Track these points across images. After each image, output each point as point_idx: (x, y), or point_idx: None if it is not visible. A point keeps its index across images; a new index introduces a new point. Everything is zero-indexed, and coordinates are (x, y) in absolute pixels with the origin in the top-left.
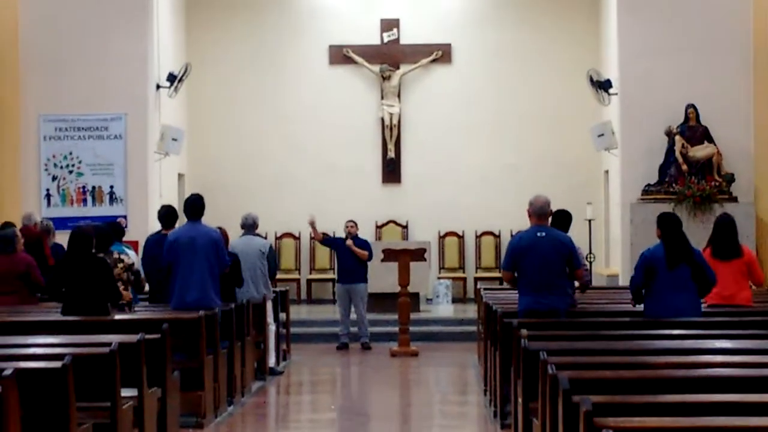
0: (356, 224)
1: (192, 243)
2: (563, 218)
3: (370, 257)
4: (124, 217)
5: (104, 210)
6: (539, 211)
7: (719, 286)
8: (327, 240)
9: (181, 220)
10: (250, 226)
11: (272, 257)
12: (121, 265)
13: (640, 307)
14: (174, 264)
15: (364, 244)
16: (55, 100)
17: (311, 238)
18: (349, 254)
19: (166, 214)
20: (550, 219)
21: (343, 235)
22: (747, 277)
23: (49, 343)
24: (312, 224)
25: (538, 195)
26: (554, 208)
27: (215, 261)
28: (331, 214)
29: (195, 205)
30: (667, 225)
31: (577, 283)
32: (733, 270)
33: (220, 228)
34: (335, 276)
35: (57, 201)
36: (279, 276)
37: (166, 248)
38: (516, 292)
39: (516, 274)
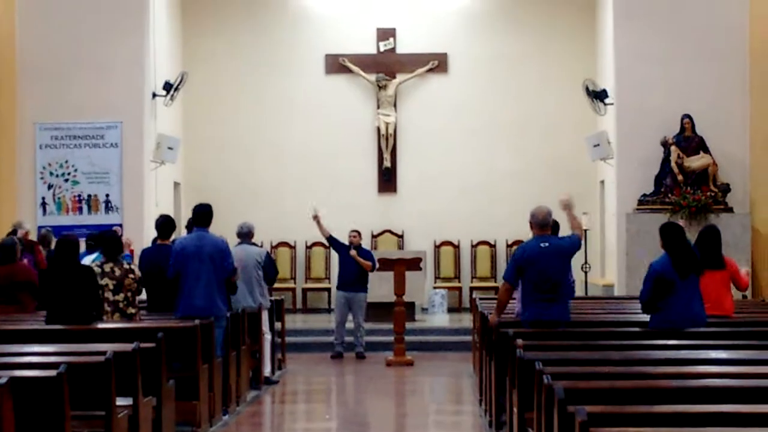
0: (359, 234)
1: (199, 251)
2: (553, 228)
3: (373, 267)
4: (120, 225)
5: (100, 218)
6: (542, 222)
7: (704, 297)
8: (332, 240)
9: (179, 231)
10: (245, 235)
11: (271, 264)
12: (131, 275)
13: (644, 317)
14: (181, 272)
15: (367, 254)
16: (51, 108)
17: (312, 246)
18: (351, 262)
19: (164, 224)
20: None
21: (346, 242)
22: (729, 288)
23: (44, 351)
24: (317, 219)
25: (540, 206)
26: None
27: (221, 269)
28: (327, 223)
29: (203, 213)
30: (670, 235)
31: None
32: (715, 281)
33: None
34: (330, 285)
35: (53, 209)
36: (275, 285)
37: (174, 256)
38: (512, 301)
39: (515, 287)
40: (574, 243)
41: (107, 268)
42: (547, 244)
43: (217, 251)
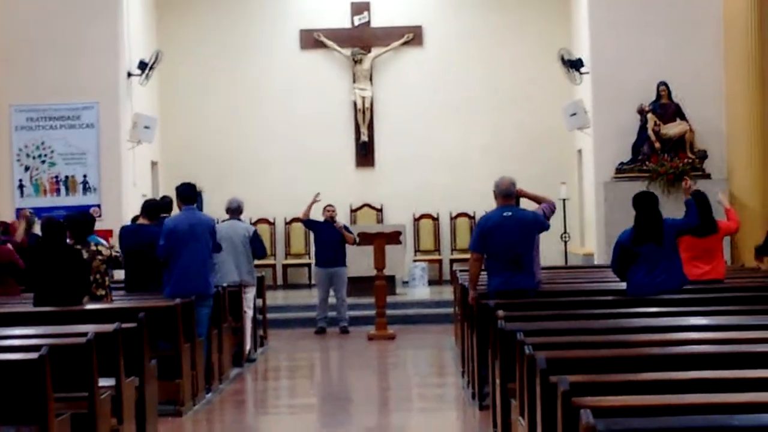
0: (335, 209)
1: (192, 230)
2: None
3: (354, 241)
4: (98, 206)
5: (78, 199)
6: (505, 192)
7: (694, 261)
8: (309, 221)
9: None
10: (234, 210)
11: (259, 242)
12: (99, 257)
13: (623, 285)
14: (173, 251)
15: (345, 229)
16: (27, 90)
17: (291, 222)
18: (330, 239)
19: (151, 207)
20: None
21: (322, 219)
22: (721, 251)
23: (25, 334)
24: (313, 201)
25: (503, 176)
26: (528, 188)
27: (212, 247)
28: (305, 199)
29: (189, 192)
30: (639, 204)
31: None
32: (708, 246)
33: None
34: (311, 260)
35: (30, 191)
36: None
37: (165, 235)
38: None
39: (484, 255)
40: (538, 218)
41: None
42: (509, 214)
43: (209, 230)
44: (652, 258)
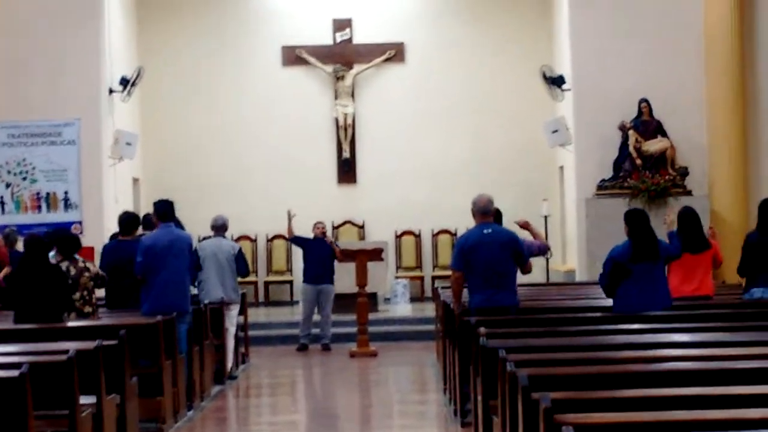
0: (325, 225)
1: (170, 247)
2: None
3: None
4: (79, 222)
5: (59, 216)
6: (483, 209)
7: (685, 278)
8: (297, 238)
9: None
10: (220, 228)
11: (243, 260)
12: (87, 274)
13: (606, 302)
14: (150, 268)
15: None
16: (8, 107)
17: (273, 239)
18: (319, 255)
19: (127, 221)
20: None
21: (311, 236)
22: (710, 268)
23: (5, 351)
24: (290, 218)
25: (481, 194)
26: (510, 205)
27: (190, 265)
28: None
29: (167, 208)
30: (633, 221)
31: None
32: (700, 262)
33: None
34: (293, 278)
35: (11, 208)
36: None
37: (142, 252)
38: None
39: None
40: (517, 240)
41: (63, 266)
42: (489, 231)
43: (187, 247)
44: (647, 276)
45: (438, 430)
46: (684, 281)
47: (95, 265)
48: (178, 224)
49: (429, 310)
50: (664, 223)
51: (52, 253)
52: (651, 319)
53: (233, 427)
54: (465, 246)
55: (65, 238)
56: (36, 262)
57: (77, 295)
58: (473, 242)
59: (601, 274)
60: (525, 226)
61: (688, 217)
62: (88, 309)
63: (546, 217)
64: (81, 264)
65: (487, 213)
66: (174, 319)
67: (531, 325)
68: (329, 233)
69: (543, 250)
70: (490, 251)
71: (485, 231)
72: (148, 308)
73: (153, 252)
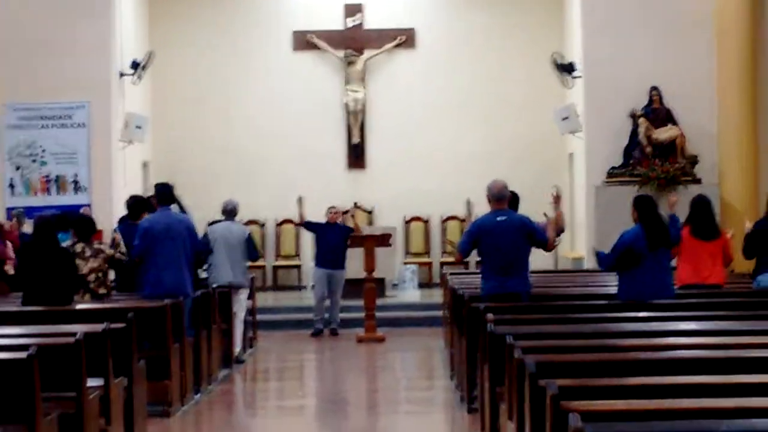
0: (339, 209)
1: (168, 230)
2: (512, 200)
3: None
4: (88, 205)
5: (68, 199)
6: (498, 195)
7: (696, 265)
8: (309, 223)
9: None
10: (230, 212)
11: (253, 244)
12: (102, 255)
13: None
14: (148, 251)
15: (349, 230)
16: (19, 88)
17: (282, 223)
18: (332, 240)
19: (135, 204)
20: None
21: (324, 221)
22: (722, 257)
23: (13, 333)
24: (300, 204)
25: (496, 180)
26: (519, 192)
27: (190, 247)
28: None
29: (166, 192)
30: (644, 207)
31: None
32: (711, 250)
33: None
34: (301, 262)
35: (20, 190)
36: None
37: (140, 235)
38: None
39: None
40: (529, 222)
41: (78, 248)
42: (504, 218)
43: (186, 229)
44: (658, 265)
45: (445, 416)
46: (695, 269)
47: (110, 248)
48: (181, 207)
49: (437, 296)
50: (669, 204)
51: (66, 235)
52: (658, 308)
53: (240, 410)
54: (477, 232)
55: (81, 220)
56: (44, 243)
57: (92, 276)
58: (486, 229)
59: (606, 254)
60: (556, 200)
61: (701, 204)
62: (102, 290)
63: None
64: (96, 246)
65: (501, 199)
66: (181, 302)
67: (539, 312)
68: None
69: (544, 238)
70: (503, 238)
71: (499, 218)
72: (146, 291)
73: (150, 235)
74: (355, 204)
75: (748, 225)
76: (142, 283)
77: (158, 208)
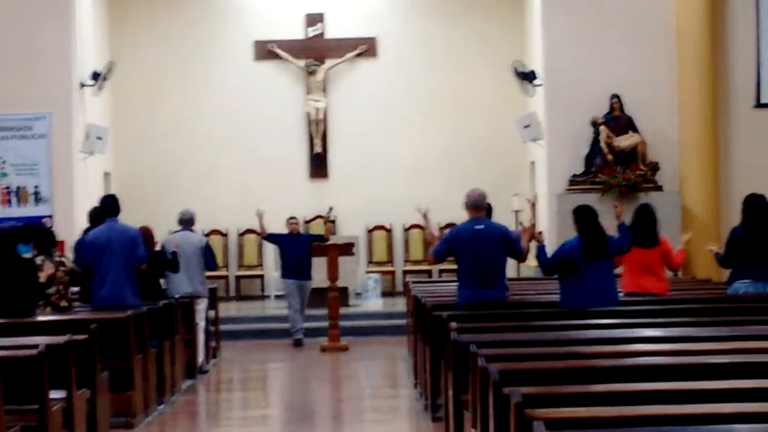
0: (298, 220)
1: (109, 242)
2: (486, 211)
3: (329, 234)
4: (50, 217)
5: (29, 210)
6: (476, 204)
7: (635, 274)
8: (272, 236)
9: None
10: (187, 222)
11: (211, 254)
12: (63, 268)
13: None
14: (92, 264)
15: (317, 238)
16: None
17: (244, 233)
18: (296, 250)
19: (97, 214)
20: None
21: (286, 231)
22: (663, 266)
23: None
24: (260, 217)
25: (474, 188)
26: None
27: (131, 259)
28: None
29: (110, 204)
30: (583, 218)
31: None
32: (650, 258)
33: (144, 227)
34: (263, 272)
35: None
36: (207, 273)
37: (85, 249)
38: (446, 283)
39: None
40: (507, 232)
41: (38, 261)
42: (482, 227)
43: (127, 241)
44: (596, 274)
45: (409, 424)
46: (635, 277)
47: (70, 260)
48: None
49: (400, 304)
50: (616, 214)
51: (28, 248)
52: (620, 314)
53: (204, 421)
54: (454, 240)
55: (42, 232)
56: (3, 255)
57: (53, 289)
58: (464, 237)
59: (547, 259)
60: (532, 207)
61: (643, 213)
62: (63, 303)
63: (517, 212)
64: (57, 258)
65: (479, 207)
66: (144, 314)
67: (502, 320)
68: (301, 228)
69: (520, 250)
70: (480, 247)
71: (476, 227)
72: (92, 303)
73: (93, 248)
74: (330, 209)
75: (713, 247)
76: (89, 294)
77: (105, 221)
